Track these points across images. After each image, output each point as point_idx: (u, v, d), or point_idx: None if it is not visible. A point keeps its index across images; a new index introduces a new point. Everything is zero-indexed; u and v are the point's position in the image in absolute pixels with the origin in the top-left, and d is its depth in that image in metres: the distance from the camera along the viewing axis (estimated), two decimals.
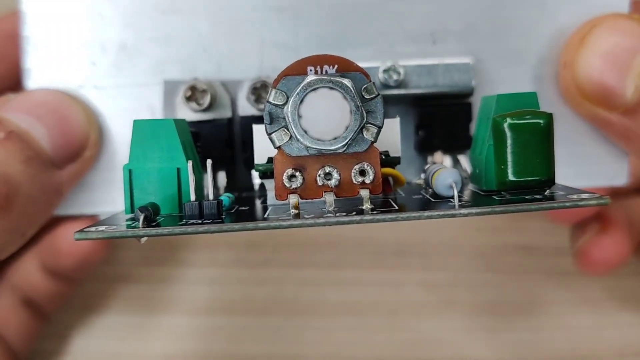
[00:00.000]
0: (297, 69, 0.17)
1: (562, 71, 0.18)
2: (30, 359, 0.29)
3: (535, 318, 0.30)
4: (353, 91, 0.16)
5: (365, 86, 0.17)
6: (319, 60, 0.17)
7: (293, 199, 0.17)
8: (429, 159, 0.22)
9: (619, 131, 0.17)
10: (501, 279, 0.30)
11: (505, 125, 0.17)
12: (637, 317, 0.30)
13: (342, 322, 0.30)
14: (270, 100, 0.17)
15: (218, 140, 0.21)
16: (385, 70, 0.20)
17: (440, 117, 0.21)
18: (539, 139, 0.17)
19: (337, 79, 0.16)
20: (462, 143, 0.21)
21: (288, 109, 0.16)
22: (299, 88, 0.16)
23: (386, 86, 0.20)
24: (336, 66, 0.17)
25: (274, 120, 0.17)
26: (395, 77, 0.20)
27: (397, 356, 0.29)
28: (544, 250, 0.31)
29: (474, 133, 0.20)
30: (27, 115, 0.19)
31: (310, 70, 0.17)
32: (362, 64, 0.17)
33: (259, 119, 0.21)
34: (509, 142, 0.17)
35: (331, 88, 0.16)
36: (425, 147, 0.22)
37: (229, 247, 0.30)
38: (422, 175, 0.20)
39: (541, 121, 0.16)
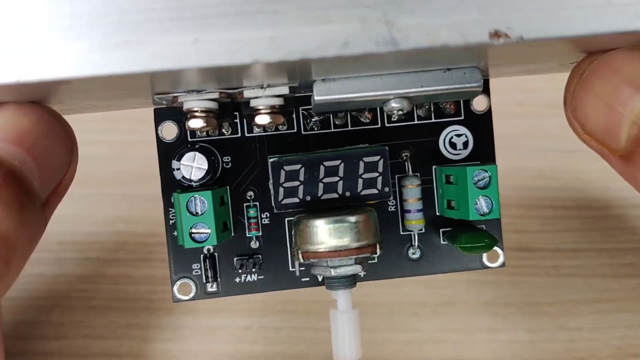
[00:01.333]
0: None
1: (564, 106, 0.18)
2: (30, 359, 0.29)
3: (534, 318, 0.30)
4: None
5: None
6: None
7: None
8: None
9: (619, 172, 0.17)
10: (501, 279, 0.30)
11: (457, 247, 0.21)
12: (637, 317, 0.30)
13: None
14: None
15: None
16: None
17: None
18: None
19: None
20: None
21: None
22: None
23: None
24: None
25: None
26: (401, 110, 0.18)
27: (396, 357, 0.29)
28: (544, 250, 0.31)
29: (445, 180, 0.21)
30: (17, 148, 0.15)
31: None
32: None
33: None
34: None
35: None
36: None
37: None
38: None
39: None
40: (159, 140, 0.21)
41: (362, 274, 0.21)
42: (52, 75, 0.14)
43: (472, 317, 0.30)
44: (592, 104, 0.16)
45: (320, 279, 0.22)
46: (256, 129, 0.22)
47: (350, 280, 0.20)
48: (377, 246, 0.20)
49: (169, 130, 0.21)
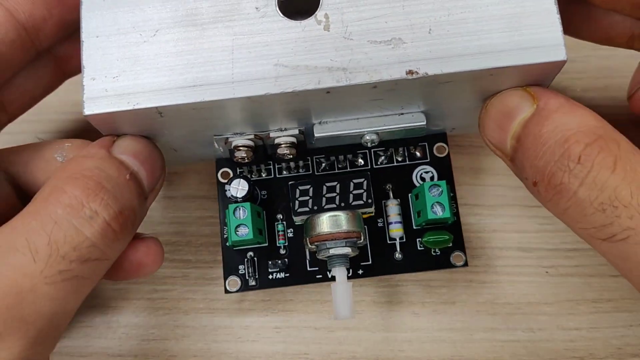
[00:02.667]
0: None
1: (479, 129, 0.25)
2: None
3: (533, 318, 0.30)
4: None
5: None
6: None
7: None
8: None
9: (512, 170, 0.24)
10: (500, 278, 0.30)
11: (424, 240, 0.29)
12: (636, 317, 0.30)
13: (341, 321, 0.30)
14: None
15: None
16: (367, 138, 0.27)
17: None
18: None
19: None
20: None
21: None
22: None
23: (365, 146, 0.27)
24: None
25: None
26: (373, 142, 0.27)
27: (396, 356, 0.29)
28: (543, 250, 0.31)
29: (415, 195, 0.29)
30: (135, 159, 0.24)
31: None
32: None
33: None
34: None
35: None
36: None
37: None
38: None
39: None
40: (218, 181, 0.30)
41: (359, 273, 0.29)
42: (154, 104, 0.23)
43: (471, 316, 0.30)
44: (491, 126, 0.24)
45: (329, 275, 0.29)
46: (284, 172, 0.30)
47: (344, 260, 0.27)
48: (362, 234, 0.27)
49: (225, 174, 0.30)
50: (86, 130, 0.33)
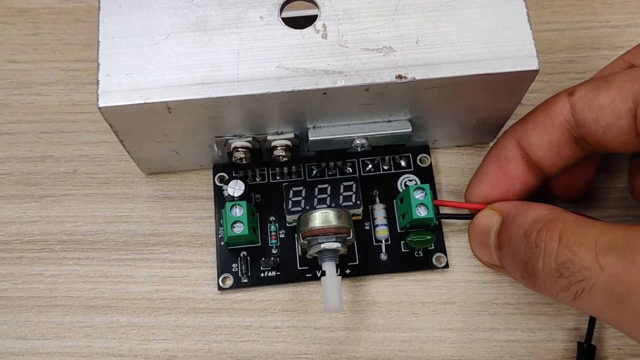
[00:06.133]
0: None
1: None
2: (30, 359, 0.29)
3: (533, 318, 0.30)
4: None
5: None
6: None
7: None
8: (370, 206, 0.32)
9: (508, 275, 0.27)
10: (500, 278, 0.30)
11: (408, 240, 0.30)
12: None
13: (342, 321, 0.30)
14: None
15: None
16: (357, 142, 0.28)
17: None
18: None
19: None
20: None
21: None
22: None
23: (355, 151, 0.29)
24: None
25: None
26: (363, 146, 0.28)
27: (396, 355, 0.29)
28: None
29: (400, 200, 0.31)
30: None
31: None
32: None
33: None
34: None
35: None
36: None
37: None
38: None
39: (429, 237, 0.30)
40: (215, 184, 0.32)
41: (347, 273, 0.30)
42: (165, 99, 0.24)
43: (471, 316, 0.30)
44: (477, 247, 0.27)
45: (318, 274, 0.30)
46: (278, 177, 0.32)
47: (334, 254, 0.28)
48: (351, 231, 0.28)
49: (222, 179, 0.32)
50: (86, 131, 0.33)
